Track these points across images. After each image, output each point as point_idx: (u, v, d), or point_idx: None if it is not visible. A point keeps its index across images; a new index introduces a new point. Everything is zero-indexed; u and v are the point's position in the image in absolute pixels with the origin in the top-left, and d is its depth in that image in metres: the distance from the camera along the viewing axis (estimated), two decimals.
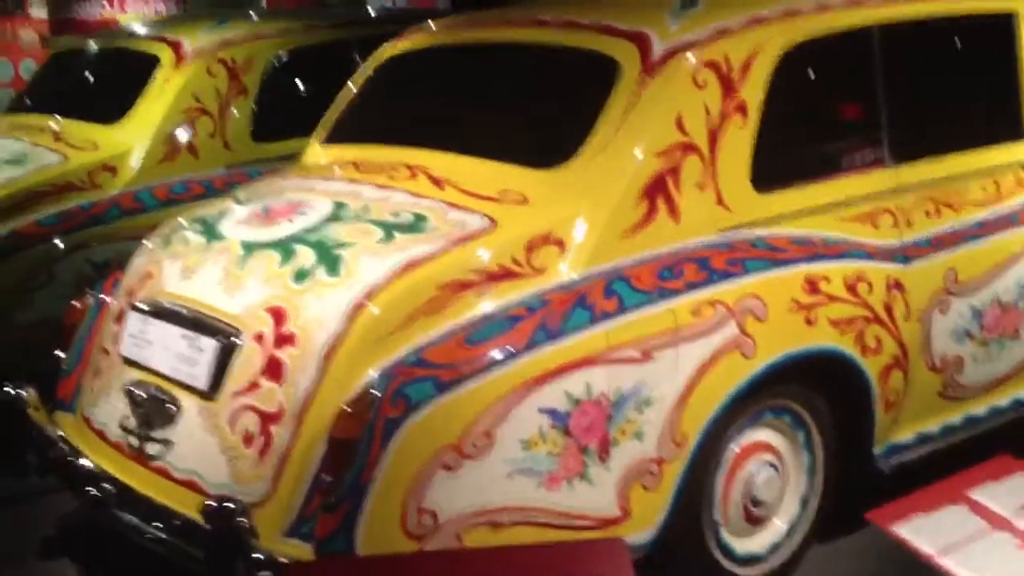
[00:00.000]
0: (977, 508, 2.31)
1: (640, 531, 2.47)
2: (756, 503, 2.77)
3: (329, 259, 2.45)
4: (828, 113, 3.00)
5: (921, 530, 2.32)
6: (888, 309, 2.88)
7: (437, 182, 2.72)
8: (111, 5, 12.60)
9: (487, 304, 2.35)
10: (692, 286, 2.51)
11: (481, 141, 2.83)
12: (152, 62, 4.48)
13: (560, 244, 2.47)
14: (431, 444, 2.19)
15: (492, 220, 2.50)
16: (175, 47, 4.49)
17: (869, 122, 3.02)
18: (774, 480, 2.80)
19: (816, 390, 2.84)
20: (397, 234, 2.48)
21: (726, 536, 2.74)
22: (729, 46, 2.72)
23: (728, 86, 2.69)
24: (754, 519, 2.79)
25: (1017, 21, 3.41)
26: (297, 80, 4.74)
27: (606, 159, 2.57)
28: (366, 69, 3.42)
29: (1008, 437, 3.42)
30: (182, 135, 4.33)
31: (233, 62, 4.48)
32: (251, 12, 5.16)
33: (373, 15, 5.51)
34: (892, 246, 2.96)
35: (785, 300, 2.65)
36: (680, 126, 2.62)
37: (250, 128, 4.48)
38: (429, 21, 3.43)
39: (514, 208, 2.56)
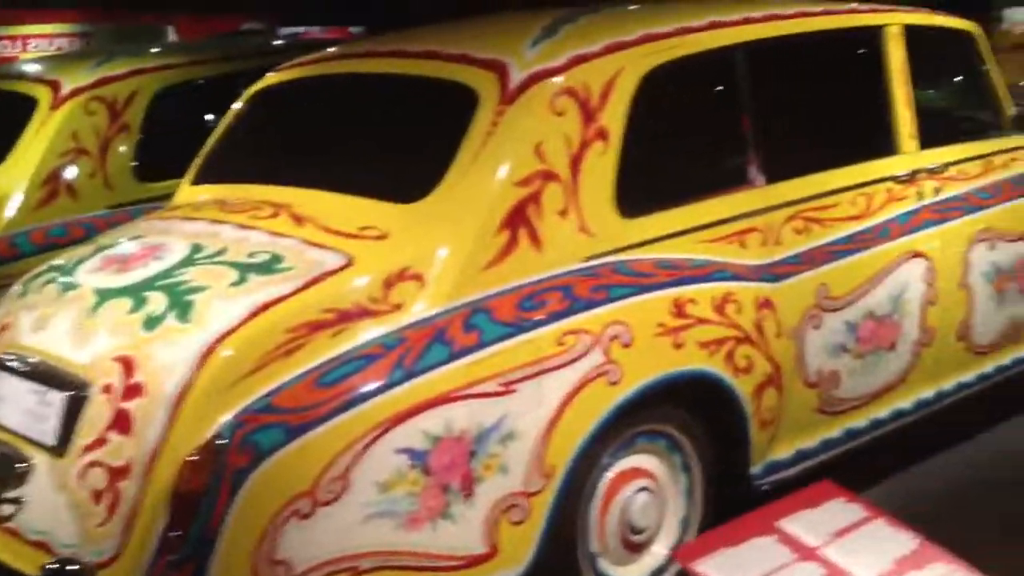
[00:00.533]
0: (786, 538, 2.30)
1: (511, 567, 2.43)
2: (635, 530, 2.76)
3: (180, 305, 2.39)
4: (694, 135, 3.02)
5: (724, 565, 2.28)
6: (759, 328, 2.90)
7: (298, 220, 2.67)
8: (12, 44, 12.37)
9: (342, 344, 2.31)
10: (555, 316, 2.50)
11: (344, 176, 2.80)
12: (32, 103, 4.38)
13: (419, 279, 2.44)
14: (283, 493, 2.14)
15: (349, 257, 2.47)
16: (54, 87, 4.38)
17: (737, 143, 3.05)
18: (651, 505, 2.79)
19: (690, 412, 2.84)
20: (251, 276, 2.43)
21: (605, 566, 2.72)
22: (587, 72, 2.72)
23: (587, 112, 2.69)
24: (634, 546, 2.78)
25: (885, 35, 3.49)
26: (186, 116, 4.66)
27: (464, 191, 2.56)
28: (238, 105, 3.37)
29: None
30: (61, 177, 4.23)
31: (113, 99, 4.39)
32: (152, 46, 5.08)
33: (277, 44, 5.46)
34: (761, 265, 2.98)
35: (651, 325, 2.65)
36: (539, 154, 2.61)
37: (132, 167, 4.39)
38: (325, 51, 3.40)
39: (373, 244, 2.52)
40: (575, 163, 2.65)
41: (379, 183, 2.69)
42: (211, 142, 3.33)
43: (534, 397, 2.42)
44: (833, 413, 3.23)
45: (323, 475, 2.17)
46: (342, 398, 2.21)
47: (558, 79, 2.67)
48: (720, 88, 3.05)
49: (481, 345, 2.38)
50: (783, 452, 3.10)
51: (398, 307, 2.39)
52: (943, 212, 3.54)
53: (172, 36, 13.06)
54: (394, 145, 2.85)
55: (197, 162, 3.32)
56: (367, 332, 2.33)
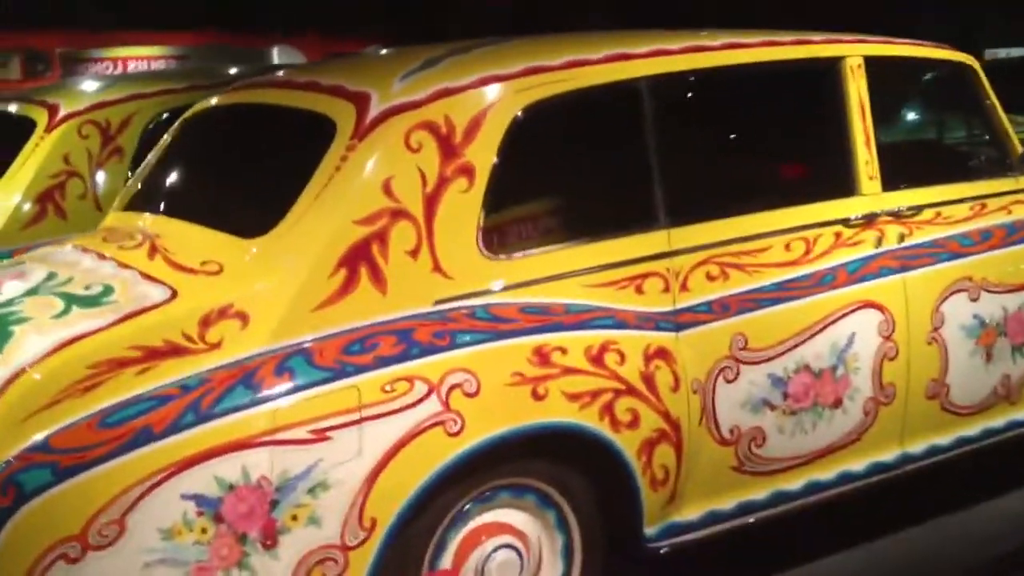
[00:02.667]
0: None
1: None
2: None
3: (3, 335, 2.38)
4: (584, 174, 2.84)
5: None
6: (648, 380, 2.70)
7: (153, 251, 2.64)
8: (114, 65, 12.97)
9: (144, 384, 2.24)
10: (384, 361, 2.37)
11: (210, 208, 2.75)
12: (31, 125, 4.53)
13: (243, 318, 2.36)
14: (47, 535, 2.08)
15: (173, 292, 2.41)
16: (51, 110, 4.51)
17: (638, 183, 2.85)
18: (513, 564, 2.62)
19: (564, 467, 2.67)
20: (75, 307, 2.40)
21: None
22: (451, 106, 2.59)
23: (448, 148, 2.56)
24: None
25: (842, 69, 3.22)
26: None
27: (302, 227, 2.46)
28: (167, 134, 3.38)
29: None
30: (51, 197, 4.35)
31: (107, 123, 4.49)
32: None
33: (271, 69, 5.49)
34: (659, 312, 2.78)
35: (504, 374, 2.49)
36: (388, 191, 2.49)
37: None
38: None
39: (203, 279, 2.46)
40: (431, 201, 2.52)
41: (234, 216, 2.63)
42: (139, 169, 3.35)
43: (352, 446, 2.30)
44: (757, 473, 2.99)
45: (95, 519, 2.10)
46: (122, 440, 2.14)
47: (415, 113, 2.55)
48: (619, 125, 2.85)
49: (292, 390, 2.27)
50: (690, 513, 2.88)
51: (215, 346, 2.32)
52: (908, 259, 3.24)
53: (276, 59, 13.42)
54: (257, 178, 2.79)
55: (125, 188, 3.34)
56: (173, 372, 2.26)
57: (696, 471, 2.85)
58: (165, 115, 4.60)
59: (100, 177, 4.44)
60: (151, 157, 3.29)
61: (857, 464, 3.19)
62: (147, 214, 2.95)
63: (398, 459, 2.34)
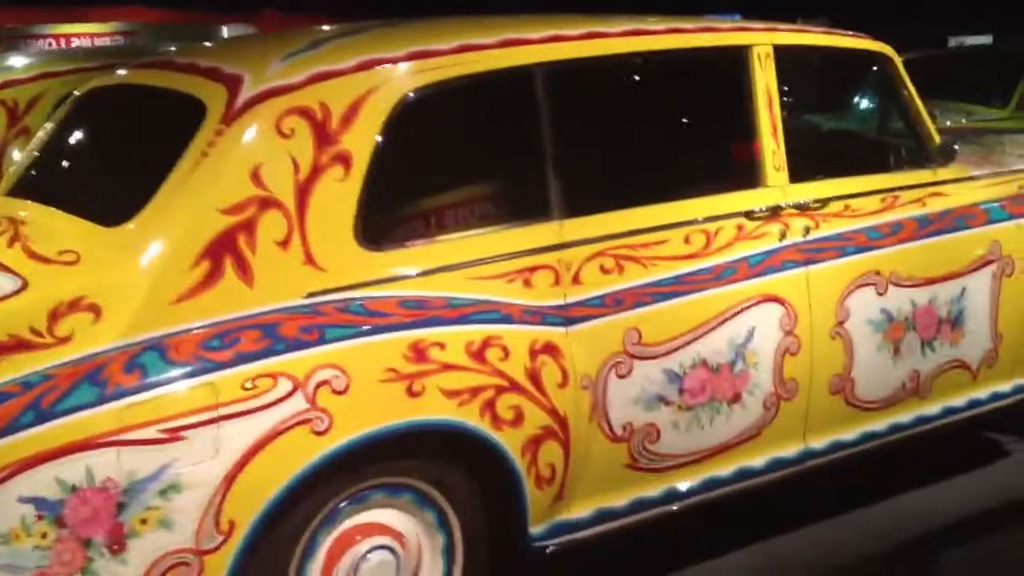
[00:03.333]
0: None
1: None
2: None
3: None
4: (472, 163, 2.75)
5: None
6: (533, 376, 2.62)
7: (14, 239, 2.52)
8: (57, 42, 12.70)
9: None
10: (245, 357, 2.27)
11: (78, 194, 2.64)
12: None
13: (96, 311, 2.25)
14: None
15: (24, 283, 2.30)
16: None
17: (529, 172, 2.76)
18: (388, 564, 2.55)
19: (443, 466, 2.59)
20: None
21: None
22: (327, 91, 2.49)
23: (324, 135, 2.46)
24: None
25: (749, 57, 3.15)
26: None
27: (163, 216, 2.35)
28: (49, 117, 3.25)
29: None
30: None
31: (14, 102, 4.35)
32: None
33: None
34: (548, 306, 2.70)
35: (377, 370, 2.41)
36: (257, 179, 2.39)
37: None
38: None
39: (58, 269, 2.35)
40: (303, 190, 2.43)
41: (98, 203, 2.52)
42: (26, 152, 3.23)
43: (208, 446, 2.20)
44: (651, 470, 2.93)
45: None
46: None
47: (288, 97, 2.45)
48: (511, 112, 2.77)
49: (142, 387, 2.17)
50: (579, 511, 2.82)
51: (64, 340, 2.21)
52: (813, 252, 3.18)
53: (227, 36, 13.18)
54: (125, 163, 2.67)
55: (7, 173, 3.22)
56: (14, 368, 2.15)
57: (587, 469, 2.78)
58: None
59: (5, 157, 4.30)
60: (34, 140, 3.16)
61: (757, 460, 3.13)
62: (20, 200, 2.83)
63: (258, 459, 2.25)
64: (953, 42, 16.69)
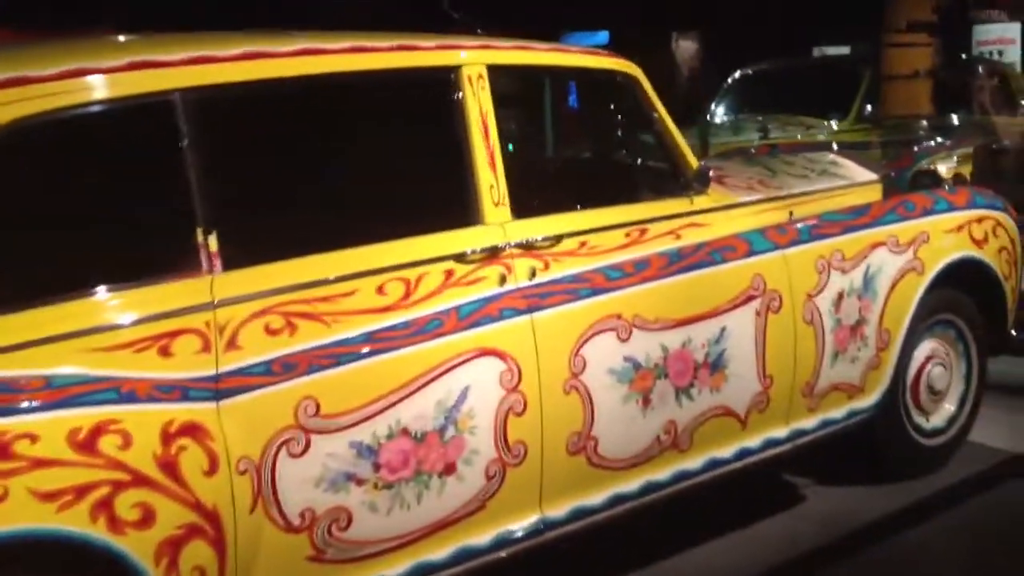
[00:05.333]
0: None
1: None
2: None
3: None
4: (90, 211, 2.30)
5: None
6: (167, 464, 2.19)
7: None
8: None
9: None
10: None
11: None
12: None
13: None
14: None
15: None
16: None
17: (167, 220, 2.34)
18: None
19: None
20: None
21: None
22: None
23: None
24: None
25: (458, 80, 2.78)
26: None
27: None
28: None
29: None
30: None
31: None
32: None
33: None
34: (192, 378, 2.27)
35: None
36: None
37: None
38: None
39: None
40: None
41: None
42: None
43: None
44: (344, 561, 2.52)
45: None
46: None
47: None
48: (140, 148, 2.34)
49: None
50: None
51: None
52: (539, 298, 2.82)
53: None
54: None
55: None
56: None
57: (255, 567, 2.36)
58: None
59: None
60: None
61: (482, 537, 2.75)
62: None
63: None
64: (816, 53, 16.78)
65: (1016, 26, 13.79)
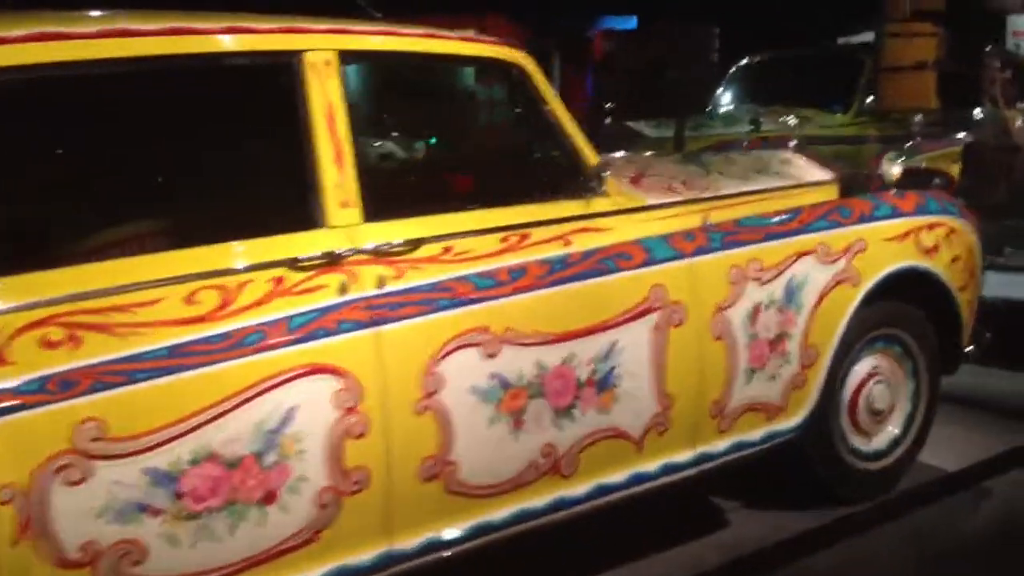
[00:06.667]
0: None
1: None
2: None
3: None
4: None
5: None
6: None
7: None
8: None
9: None
10: None
11: None
12: None
13: None
14: None
15: None
16: None
17: None
18: None
19: None
20: None
21: None
22: None
23: None
24: None
25: (301, 68, 2.50)
26: None
27: None
28: None
29: None
30: None
31: None
32: None
33: None
34: None
35: None
36: None
37: None
38: None
39: None
40: None
41: None
42: None
43: None
44: None
45: None
46: None
47: None
48: None
49: None
50: None
51: None
52: (387, 309, 2.54)
53: None
54: None
55: None
56: None
57: None
58: None
59: None
60: None
61: (314, 571, 2.48)
62: None
63: None
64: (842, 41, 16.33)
65: None
